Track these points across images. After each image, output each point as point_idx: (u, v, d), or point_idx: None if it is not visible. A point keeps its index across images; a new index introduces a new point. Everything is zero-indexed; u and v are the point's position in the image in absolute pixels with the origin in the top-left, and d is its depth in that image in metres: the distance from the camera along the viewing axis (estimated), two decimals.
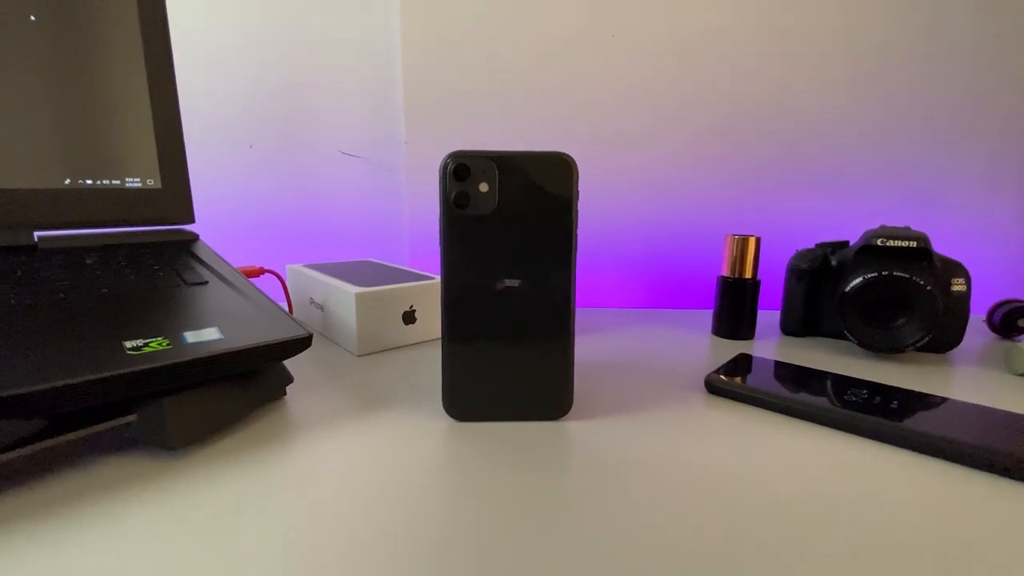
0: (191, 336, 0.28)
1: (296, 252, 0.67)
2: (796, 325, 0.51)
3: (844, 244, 0.50)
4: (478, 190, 0.28)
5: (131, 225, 0.42)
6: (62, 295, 0.30)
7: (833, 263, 0.49)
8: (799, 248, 0.51)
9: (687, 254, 0.67)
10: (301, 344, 0.30)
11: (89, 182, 0.41)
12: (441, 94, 0.63)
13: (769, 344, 0.49)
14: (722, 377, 0.37)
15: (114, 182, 0.42)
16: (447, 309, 0.30)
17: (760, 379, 0.37)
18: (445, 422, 0.31)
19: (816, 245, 0.50)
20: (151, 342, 0.27)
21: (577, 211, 0.29)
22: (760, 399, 0.34)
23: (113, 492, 0.24)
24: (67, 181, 0.40)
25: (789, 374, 0.38)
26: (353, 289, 0.41)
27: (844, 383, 0.36)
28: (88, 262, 0.37)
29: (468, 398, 0.31)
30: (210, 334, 0.28)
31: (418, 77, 0.63)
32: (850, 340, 0.45)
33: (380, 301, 0.42)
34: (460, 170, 0.28)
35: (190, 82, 0.61)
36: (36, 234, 0.39)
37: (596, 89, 0.63)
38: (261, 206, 0.66)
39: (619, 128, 0.64)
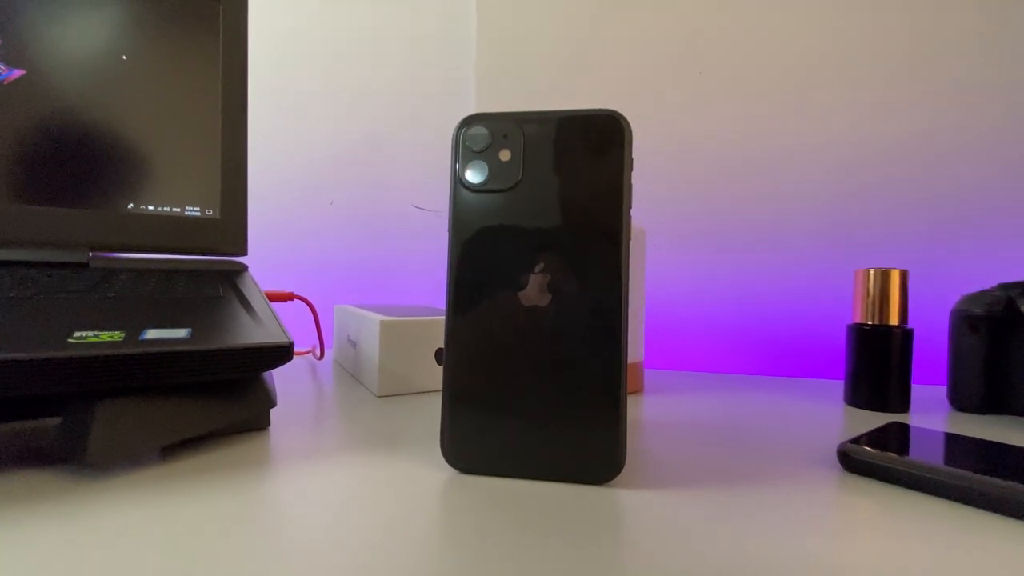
0: (153, 333, 0.23)
1: (366, 301, 0.64)
2: (972, 396, 0.36)
3: None
4: (497, 159, 0.22)
5: (184, 252, 0.42)
6: (63, 295, 0.28)
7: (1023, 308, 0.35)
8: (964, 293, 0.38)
9: (793, 312, 0.54)
10: (277, 353, 0.25)
11: (151, 208, 0.41)
12: None
13: (933, 421, 0.35)
14: (867, 448, 0.24)
15: (174, 210, 0.42)
16: (452, 320, 0.23)
17: (927, 454, 0.24)
18: (443, 473, 0.23)
19: (997, 287, 0.37)
20: (102, 334, 0.22)
21: (631, 188, 0.22)
22: (932, 480, 0.22)
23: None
24: (130, 206, 0.40)
25: (974, 450, 0.25)
26: (379, 317, 0.35)
27: None
28: (120, 276, 0.36)
29: (475, 443, 0.23)
30: (175, 333, 0.24)
31: None
32: None
33: (408, 333, 0.36)
34: (475, 135, 0.23)
35: (286, 142, 0.65)
36: (90, 254, 0.39)
37: (685, 130, 0.56)
38: (335, 259, 0.66)
39: (711, 163, 0.56)
